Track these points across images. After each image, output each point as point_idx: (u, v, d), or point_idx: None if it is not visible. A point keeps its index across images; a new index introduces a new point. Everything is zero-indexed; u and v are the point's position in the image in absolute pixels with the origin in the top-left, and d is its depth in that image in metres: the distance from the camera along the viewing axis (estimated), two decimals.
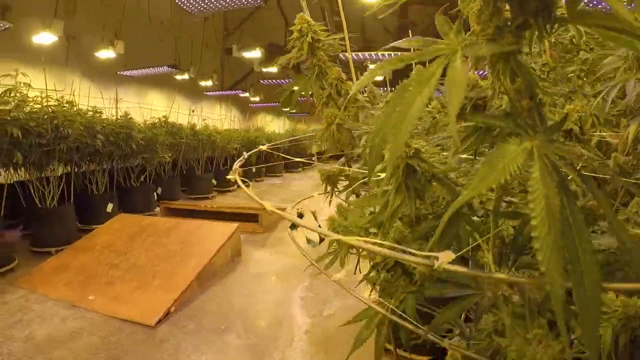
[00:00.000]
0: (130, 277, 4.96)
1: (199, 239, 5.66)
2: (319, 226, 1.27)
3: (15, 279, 5.39)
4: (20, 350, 3.57)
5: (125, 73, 13.97)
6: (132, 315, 4.22)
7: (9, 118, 5.67)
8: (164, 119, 10.01)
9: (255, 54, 14.89)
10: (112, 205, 7.87)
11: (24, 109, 6.03)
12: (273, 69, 17.28)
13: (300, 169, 20.32)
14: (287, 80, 19.58)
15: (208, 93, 19.94)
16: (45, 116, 6.36)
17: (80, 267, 5.36)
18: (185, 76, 16.45)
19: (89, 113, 7.34)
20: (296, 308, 4.40)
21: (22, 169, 6.79)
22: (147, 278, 4.86)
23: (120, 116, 8.30)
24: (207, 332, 3.93)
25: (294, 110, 29.43)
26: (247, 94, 21.67)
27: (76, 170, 7.96)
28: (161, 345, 3.72)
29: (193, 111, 12.80)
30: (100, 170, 8.17)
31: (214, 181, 12.64)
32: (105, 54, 11.92)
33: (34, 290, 5.00)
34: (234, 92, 21.09)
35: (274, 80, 18.95)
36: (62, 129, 6.48)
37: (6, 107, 5.74)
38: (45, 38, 9.75)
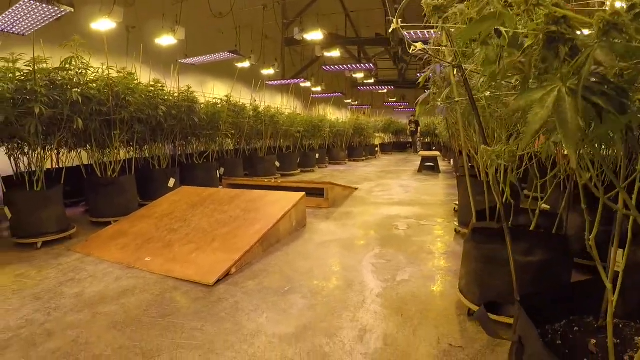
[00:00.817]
0: (189, 239, 4.64)
1: (263, 206, 5.30)
2: None
3: (72, 245, 5.24)
4: (68, 305, 3.46)
5: (185, 61, 13.92)
6: (189, 275, 3.88)
7: (69, 85, 5.48)
8: (226, 98, 9.73)
9: (316, 35, 14.47)
10: (174, 180, 7.63)
11: (85, 77, 5.84)
12: (335, 53, 16.84)
13: (364, 158, 19.81)
14: (349, 66, 19.20)
15: (269, 82, 19.73)
16: (107, 87, 6.14)
17: (138, 233, 5.10)
18: (246, 64, 16.29)
19: (151, 86, 7.12)
20: (367, 273, 3.96)
21: (87, 146, 6.69)
22: (206, 241, 4.53)
23: (182, 91, 8.07)
24: (269, 292, 3.55)
25: (357, 102, 28.99)
26: (308, 84, 21.39)
27: (138, 143, 7.89)
28: (218, 303, 3.36)
29: (255, 101, 12.58)
30: (162, 144, 7.99)
31: (277, 163, 12.33)
32: (166, 40, 11.87)
33: (89, 254, 4.79)
34: (295, 80, 20.81)
35: (335, 67, 18.55)
36: (123, 96, 6.26)
37: (67, 74, 5.58)
38: (105, 25, 9.74)
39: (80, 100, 5.53)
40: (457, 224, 5.27)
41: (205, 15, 14.53)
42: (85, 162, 7.23)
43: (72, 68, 5.59)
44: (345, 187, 8.26)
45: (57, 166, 7.93)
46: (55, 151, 7.20)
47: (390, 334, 2.79)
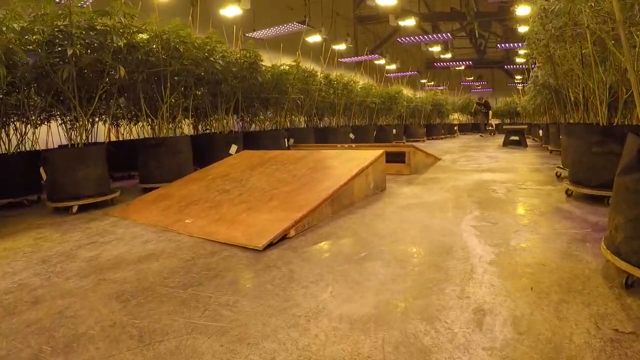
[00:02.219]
0: (242, 199, 3.77)
1: (335, 164, 4.34)
2: None
3: (111, 210, 4.54)
4: (74, 269, 2.75)
5: (253, 34, 13.31)
6: (234, 237, 2.99)
7: (111, 32, 4.76)
8: (294, 63, 8.80)
9: (390, 1, 13.38)
10: (235, 147, 6.75)
11: (131, 24, 5.10)
12: (410, 22, 15.63)
13: (442, 136, 18.57)
14: (425, 37, 17.95)
15: (342, 60, 18.78)
16: (155, 37, 5.38)
17: (184, 195, 4.28)
18: (317, 37, 15.47)
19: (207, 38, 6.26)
20: (469, 237, 2.95)
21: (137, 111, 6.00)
22: (262, 200, 3.63)
23: (242, 49, 7.19)
24: (337, 259, 2.59)
25: (432, 83, 27.64)
26: (382, 61, 20.28)
27: (196, 112, 7.21)
28: (266, 272, 2.44)
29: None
30: (222, 106, 7.15)
31: (351, 135, 11.30)
32: (231, 10, 11.34)
33: (125, 218, 4.05)
34: (369, 57, 19.72)
35: (411, 38, 17.35)
36: (173, 44, 5.47)
37: (110, 19, 4.84)
38: None
39: (124, 48, 4.85)
40: (568, 184, 4.18)
41: None
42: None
43: (115, 12, 4.83)
44: (428, 154, 7.21)
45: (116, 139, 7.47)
46: (111, 123, 6.72)
47: (521, 316, 1.77)
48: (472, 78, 32.18)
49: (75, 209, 4.58)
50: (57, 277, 2.61)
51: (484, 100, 19.00)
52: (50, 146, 6.61)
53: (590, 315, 1.75)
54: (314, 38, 15.37)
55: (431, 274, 2.28)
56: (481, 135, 19.17)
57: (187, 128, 6.87)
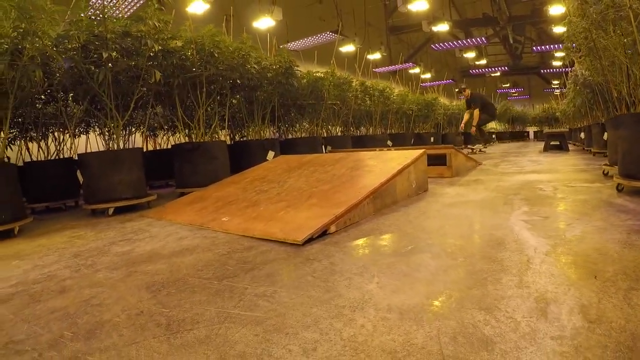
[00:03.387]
0: (280, 198, 3.66)
1: (376, 163, 4.19)
2: None
3: (147, 212, 4.52)
4: (105, 262, 2.73)
5: (287, 46, 13.37)
6: (272, 233, 2.86)
7: (146, 37, 4.77)
8: (330, 70, 8.71)
9: (421, 5, 13.27)
10: (273, 153, 6.67)
11: (166, 29, 5.10)
12: (444, 27, 15.43)
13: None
14: (459, 42, 17.71)
15: (377, 69, 18.69)
16: (190, 42, 5.37)
17: (220, 196, 4.19)
18: (351, 47, 15.46)
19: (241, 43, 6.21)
20: (521, 230, 2.77)
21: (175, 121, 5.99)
22: (301, 198, 3.50)
23: (276, 55, 7.14)
24: (382, 253, 2.44)
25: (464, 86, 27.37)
26: (417, 70, 20.12)
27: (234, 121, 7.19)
28: (306, 264, 2.30)
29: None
30: (259, 114, 7.09)
31: (389, 142, 11.12)
32: (264, 22, 11.46)
33: (160, 218, 4.01)
34: (403, 66, 19.58)
35: (444, 44, 17.14)
36: (208, 49, 5.44)
37: (144, 25, 4.85)
38: (199, 7, 9.41)
39: (159, 53, 4.90)
40: (619, 179, 3.97)
41: (305, 3, 13.98)
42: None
43: (149, 17, 4.83)
44: (469, 158, 7.01)
45: (153, 148, 7.52)
46: (148, 132, 6.77)
47: (588, 304, 1.58)
48: (507, 85, 31.71)
49: (111, 211, 4.59)
50: (87, 269, 2.59)
51: (467, 92, 12.03)
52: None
53: None
54: (348, 48, 15.36)
55: (485, 265, 2.10)
56: (471, 149, 12.65)
57: (223, 138, 6.84)
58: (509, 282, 1.85)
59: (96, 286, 2.22)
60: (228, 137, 7.83)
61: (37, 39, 3.94)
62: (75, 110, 5.62)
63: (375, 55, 17.14)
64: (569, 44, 5.07)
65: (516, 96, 32.55)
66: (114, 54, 4.42)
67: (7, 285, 2.40)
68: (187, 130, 5.93)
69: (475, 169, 7.03)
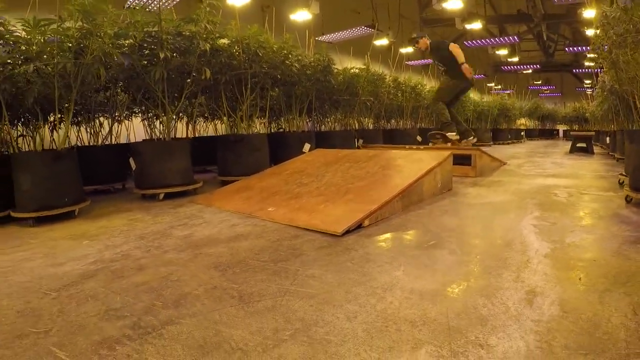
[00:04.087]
0: (319, 192, 4.13)
1: (405, 163, 4.65)
2: None
3: (195, 198, 5.03)
4: (171, 244, 3.19)
5: (322, 38, 13.71)
6: (314, 224, 3.34)
7: (197, 37, 5.26)
8: (364, 67, 9.12)
9: (456, 4, 13.47)
10: (309, 146, 7.16)
11: (214, 29, 5.58)
12: (477, 25, 15.62)
13: (509, 141, 18.33)
14: (491, 40, 17.83)
15: (409, 62, 18.92)
16: (236, 42, 5.86)
17: (264, 187, 4.69)
18: (384, 41, 15.73)
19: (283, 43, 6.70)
20: (529, 234, 3.19)
21: (218, 110, 6.51)
22: (339, 193, 3.97)
23: (316, 53, 7.60)
24: (408, 246, 2.91)
25: (499, 86, 27.22)
26: None
27: (272, 111, 7.66)
28: (345, 253, 2.79)
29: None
30: (296, 107, 7.59)
31: (418, 138, 11.47)
32: (301, 15, 11.78)
33: (209, 205, 4.51)
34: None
35: (477, 41, 17.34)
36: (254, 49, 5.93)
37: (195, 25, 5.34)
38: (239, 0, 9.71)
39: (209, 51, 5.27)
40: (628, 190, 4.30)
41: None
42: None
43: (201, 19, 5.32)
44: (494, 158, 7.36)
45: (193, 135, 8.04)
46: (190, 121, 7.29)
47: (567, 299, 2.03)
48: (539, 82, 31.49)
49: (161, 196, 5.09)
50: (156, 250, 3.05)
51: (424, 41, 7.66)
52: (132, 139, 7.24)
53: (630, 303, 1.98)
54: (382, 41, 15.63)
55: (491, 262, 2.56)
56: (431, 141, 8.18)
57: (259, 126, 7.31)
58: (508, 277, 2.31)
59: (169, 265, 2.72)
60: (262, 126, 8.29)
61: (99, 39, 4.38)
62: (122, 98, 6.16)
63: (408, 49, 17.39)
64: (596, 58, 5.40)
65: (548, 93, 32.30)
66: (168, 52, 4.88)
67: (87, 262, 2.87)
68: (229, 121, 6.44)
69: (499, 169, 7.37)
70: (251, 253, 2.83)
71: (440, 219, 3.68)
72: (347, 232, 3.20)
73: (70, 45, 4.28)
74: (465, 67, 6.61)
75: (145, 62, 5.06)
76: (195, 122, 8.87)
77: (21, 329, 1.96)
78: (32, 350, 1.76)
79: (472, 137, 6.80)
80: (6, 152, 4.78)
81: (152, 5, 9.35)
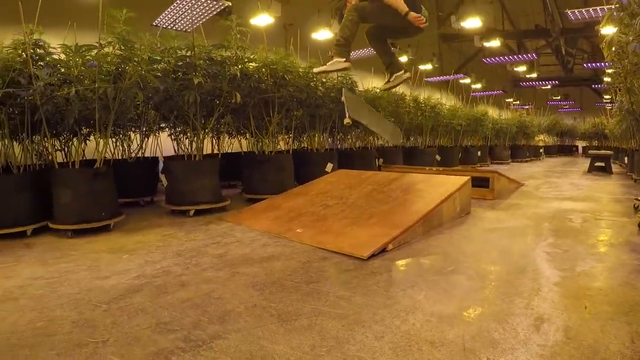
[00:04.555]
0: (344, 215, 4.41)
1: (425, 187, 4.90)
2: None
3: (224, 216, 5.33)
4: (208, 262, 3.48)
5: None
6: (341, 247, 3.61)
7: (227, 62, 5.58)
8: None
9: (474, 23, 13.67)
10: (331, 165, 7.45)
11: (244, 55, 5.91)
12: (495, 43, 15.80)
13: (527, 159, 18.38)
14: (510, 57, 17.95)
15: (428, 79, 19.12)
16: (264, 66, 6.16)
17: (291, 207, 4.97)
18: (404, 58, 15.97)
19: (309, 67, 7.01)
20: (541, 261, 3.41)
21: (245, 130, 6.84)
22: (363, 217, 4.24)
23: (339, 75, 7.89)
24: (429, 271, 3.16)
25: (518, 102, 27.20)
26: (468, 80, 20.48)
27: (296, 130, 7.95)
28: (371, 276, 3.05)
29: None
30: (320, 133, 7.91)
31: (437, 157, 11.75)
32: (323, 34, 12.05)
33: (239, 224, 4.80)
34: (454, 77, 19.98)
35: (496, 59, 17.51)
36: (281, 74, 6.24)
37: (225, 51, 5.68)
38: (263, 20, 9.99)
39: (239, 76, 5.59)
40: None
41: None
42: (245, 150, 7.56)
43: (231, 46, 5.65)
44: (511, 180, 7.56)
45: (217, 151, 8.33)
46: (215, 137, 7.60)
47: (572, 326, 2.26)
48: (558, 97, 31.38)
49: (192, 212, 5.39)
50: (194, 267, 3.33)
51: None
52: (159, 154, 7.52)
53: (629, 332, 2.20)
54: (401, 59, 15.87)
55: (505, 289, 2.80)
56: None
57: (282, 144, 7.59)
58: (519, 304, 2.55)
59: (209, 283, 2.99)
60: (283, 144, 8.56)
61: (136, 64, 4.71)
62: (152, 115, 6.45)
63: (427, 66, 17.62)
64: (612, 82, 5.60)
65: (567, 108, 32.19)
66: (201, 77, 5.19)
67: (131, 277, 3.14)
68: (253, 140, 6.77)
69: (516, 191, 7.54)
70: (284, 274, 3.11)
71: (459, 244, 3.92)
72: (372, 255, 3.46)
73: (109, 70, 4.64)
74: (413, 16, 4.65)
75: (178, 85, 5.35)
76: (219, 138, 9.20)
77: (79, 338, 2.21)
78: (93, 358, 2.01)
79: (402, 71, 5.30)
80: (43, 165, 5.14)
81: (177, 24, 9.68)
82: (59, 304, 2.66)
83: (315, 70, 4.99)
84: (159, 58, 5.16)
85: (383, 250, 3.59)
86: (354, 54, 14.48)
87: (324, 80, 7.28)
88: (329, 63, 4.76)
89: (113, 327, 2.34)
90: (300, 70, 6.62)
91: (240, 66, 5.70)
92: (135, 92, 4.75)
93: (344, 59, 4.82)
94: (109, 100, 4.59)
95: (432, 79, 19.20)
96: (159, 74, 5.05)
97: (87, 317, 2.46)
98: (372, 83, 9.23)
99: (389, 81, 5.46)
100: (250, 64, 6.01)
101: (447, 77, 19.82)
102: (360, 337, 2.15)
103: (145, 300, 2.70)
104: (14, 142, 4.97)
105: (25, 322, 2.42)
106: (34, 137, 5.04)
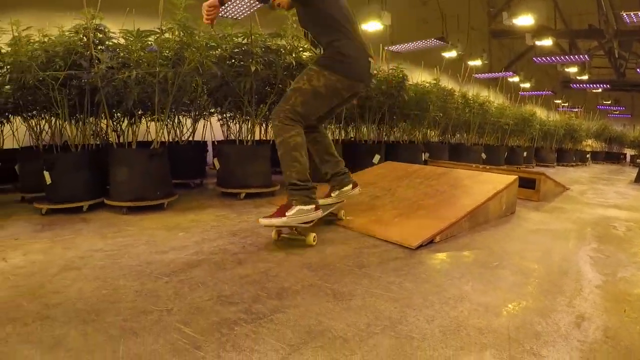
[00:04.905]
0: (393, 206, 4.54)
1: (472, 184, 4.97)
2: None
3: (273, 200, 5.60)
4: (262, 243, 3.70)
5: (392, 48, 14.02)
6: (390, 236, 3.76)
7: (282, 50, 5.83)
8: (434, 82, 9.48)
9: (526, 20, 13.53)
10: (379, 157, 7.62)
11: (298, 45, 6.09)
12: (547, 42, 15.59)
13: (573, 163, 18.04)
14: (561, 58, 17.67)
15: (477, 75, 19.00)
16: None
17: None
18: (453, 53, 15.94)
19: None
20: (584, 264, 3.49)
21: None
22: (411, 209, 4.37)
23: (391, 68, 8.02)
24: (474, 264, 3.29)
25: (567, 104, 26.66)
26: (516, 78, 20.27)
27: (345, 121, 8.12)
28: (419, 265, 3.21)
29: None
30: (369, 118, 8.05)
31: (483, 155, 11.69)
32: (373, 25, 12.10)
33: None
34: (503, 74, 19.78)
35: (546, 58, 17.27)
36: None
37: (280, 40, 5.90)
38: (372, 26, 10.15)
39: (294, 65, 5.78)
40: None
41: (409, 5, 14.39)
42: None
43: (287, 35, 5.83)
44: (557, 183, 7.54)
45: (264, 138, 8.59)
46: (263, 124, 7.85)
47: (611, 327, 2.37)
48: (609, 102, 30.66)
49: (242, 195, 5.62)
50: (250, 247, 3.53)
51: None
52: (208, 138, 7.89)
53: None
54: (450, 54, 15.84)
55: (548, 287, 2.92)
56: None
57: (329, 134, 7.77)
58: (561, 301, 2.68)
59: (265, 262, 3.18)
60: (335, 133, 8.75)
61: (194, 50, 4.90)
62: (203, 100, 6.69)
63: (476, 62, 17.51)
64: None
65: (617, 114, 31.43)
66: (259, 65, 5.39)
67: (189, 252, 3.36)
68: None
69: (561, 195, 7.53)
70: (337, 257, 3.28)
71: (504, 241, 4.03)
72: (420, 246, 3.61)
73: (168, 55, 4.87)
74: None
75: (234, 72, 5.58)
76: (267, 125, 9.44)
77: (143, 306, 2.41)
78: (159, 325, 2.20)
79: (350, 186, 4.17)
80: (100, 145, 5.53)
81: (226, 13, 9.93)
82: (121, 275, 2.87)
83: (264, 222, 3.47)
84: (215, 45, 5.38)
85: (430, 242, 3.73)
86: (401, 47, 14.51)
87: (375, 72, 7.39)
88: (290, 213, 3.40)
89: (175, 297, 2.54)
90: None
91: (294, 55, 5.87)
92: (194, 78, 4.98)
93: (313, 206, 3.53)
94: (167, 85, 4.87)
95: (480, 75, 19.06)
96: (214, 60, 5.25)
97: (149, 288, 2.66)
98: (421, 77, 9.29)
99: (329, 195, 4.13)
100: (304, 53, 6.18)
101: (496, 74, 19.64)
102: (411, 319, 2.32)
103: (205, 274, 2.90)
104: (72, 123, 5.27)
105: (90, 289, 2.63)
106: (90, 118, 5.38)
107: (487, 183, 4.99)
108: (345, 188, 4.09)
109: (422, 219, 4.09)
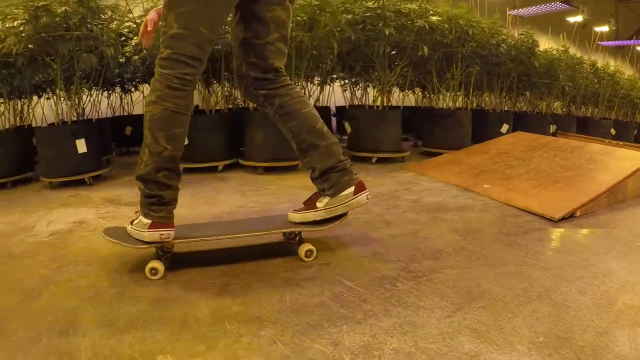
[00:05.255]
0: (529, 177, 4.57)
1: (610, 160, 4.84)
2: None
3: (404, 165, 5.76)
4: (406, 206, 3.85)
5: (514, 12, 13.53)
6: (530, 206, 3.84)
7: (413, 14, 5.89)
8: (563, 49, 9.12)
9: None
10: (507, 127, 7.54)
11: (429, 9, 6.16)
12: None
13: None
14: None
15: (602, 43, 17.79)
16: (449, 20, 6.37)
17: (472, 163, 5.23)
18: (579, 17, 15.10)
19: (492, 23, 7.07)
20: None
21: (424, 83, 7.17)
22: (548, 180, 4.39)
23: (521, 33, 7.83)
24: (616, 242, 3.28)
25: None
26: None
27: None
28: (563, 237, 3.30)
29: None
30: (497, 85, 7.96)
31: (612, 131, 11.04)
32: None
33: (422, 174, 5.17)
34: (631, 42, 18.44)
35: None
36: (466, 29, 6.36)
37: (410, 4, 5.97)
38: None
39: (427, 29, 5.84)
40: None
41: None
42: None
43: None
44: None
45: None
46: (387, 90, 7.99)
47: None
48: None
49: (374, 160, 5.84)
50: (394, 209, 3.72)
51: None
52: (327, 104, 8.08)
53: None
54: (576, 18, 15.01)
55: None
56: None
57: (450, 101, 7.75)
58: None
59: (413, 223, 3.38)
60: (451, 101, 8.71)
61: (329, 14, 5.07)
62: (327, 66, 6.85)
63: (603, 28, 16.45)
64: None
65: None
66: (392, 29, 5.48)
67: None
68: (430, 94, 7.14)
69: None
70: (481, 224, 3.43)
71: None
72: (562, 219, 3.66)
73: (303, 19, 5.05)
74: None
75: (366, 37, 5.70)
76: (390, 91, 9.55)
77: (301, 260, 2.66)
78: (319, 278, 2.44)
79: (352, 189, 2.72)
80: (233, 109, 5.89)
81: None
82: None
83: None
84: (348, 8, 5.53)
85: (571, 216, 3.76)
86: (525, 12, 13.94)
87: (505, 37, 7.28)
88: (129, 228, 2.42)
89: (336, 252, 2.77)
90: (483, 25, 6.69)
91: (425, 19, 5.93)
92: (330, 42, 5.18)
93: (167, 230, 2.42)
94: (302, 49, 5.09)
95: (606, 42, 17.86)
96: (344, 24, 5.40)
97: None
98: (548, 44, 8.97)
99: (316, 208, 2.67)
100: (433, 17, 6.20)
101: (624, 41, 18.33)
102: (564, 289, 2.44)
103: (356, 232, 3.13)
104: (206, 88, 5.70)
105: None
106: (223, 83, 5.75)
107: (624, 160, 4.87)
108: (344, 192, 2.67)
109: (561, 192, 4.11)
